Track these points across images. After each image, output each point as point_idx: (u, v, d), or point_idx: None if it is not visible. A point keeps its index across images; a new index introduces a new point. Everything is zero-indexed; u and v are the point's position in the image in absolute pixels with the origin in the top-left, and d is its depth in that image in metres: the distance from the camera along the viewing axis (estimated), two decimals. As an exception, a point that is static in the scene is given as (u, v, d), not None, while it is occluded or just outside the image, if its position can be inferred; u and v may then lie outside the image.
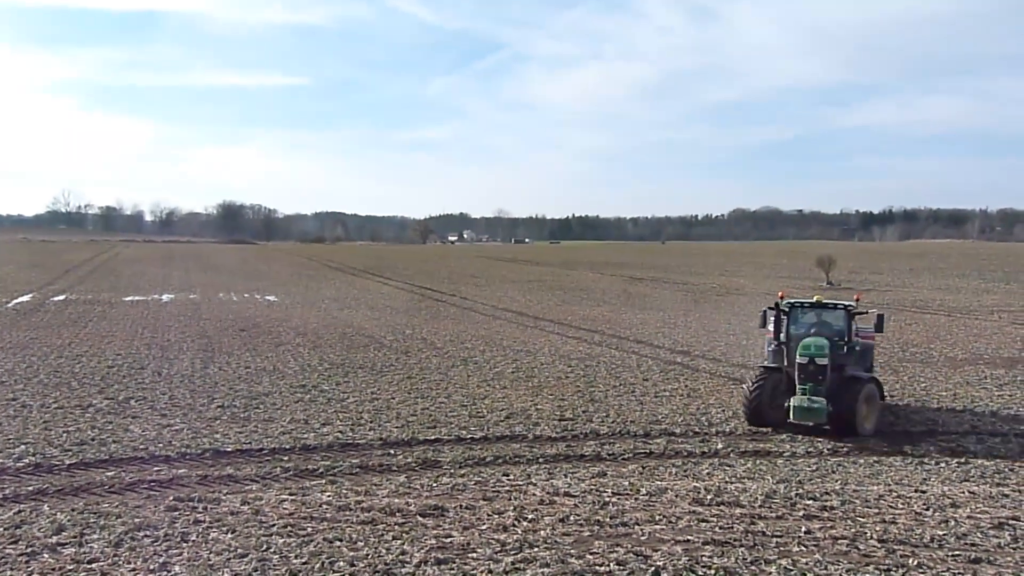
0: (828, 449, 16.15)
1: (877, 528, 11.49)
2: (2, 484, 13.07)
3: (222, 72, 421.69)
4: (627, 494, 12.94)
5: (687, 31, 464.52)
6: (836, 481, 13.92)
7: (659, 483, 13.56)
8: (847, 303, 18.51)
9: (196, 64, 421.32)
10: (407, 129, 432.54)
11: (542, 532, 11.15)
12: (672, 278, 71.17)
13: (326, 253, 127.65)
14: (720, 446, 16.18)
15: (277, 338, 30.89)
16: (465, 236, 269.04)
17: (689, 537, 10.98)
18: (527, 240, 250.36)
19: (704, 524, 11.54)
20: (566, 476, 13.90)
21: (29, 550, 10.29)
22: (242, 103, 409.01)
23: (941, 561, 10.38)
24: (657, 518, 11.77)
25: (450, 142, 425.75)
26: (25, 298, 46.50)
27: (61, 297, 47.31)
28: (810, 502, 12.66)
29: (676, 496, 12.84)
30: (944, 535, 11.28)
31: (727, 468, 14.61)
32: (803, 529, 11.41)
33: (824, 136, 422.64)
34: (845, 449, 16.19)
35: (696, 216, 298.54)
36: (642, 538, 11.01)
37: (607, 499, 12.66)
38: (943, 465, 15.14)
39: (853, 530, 11.41)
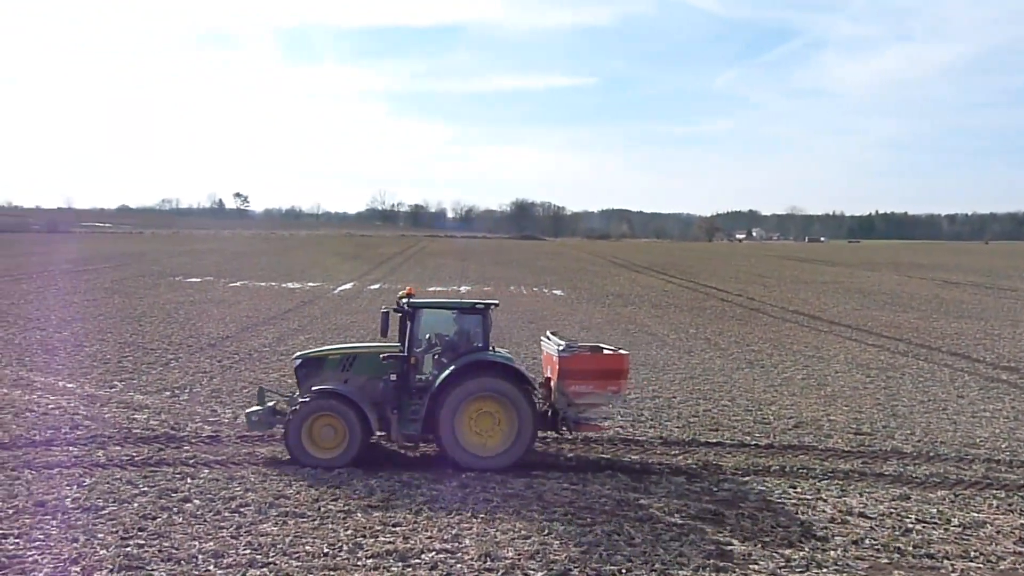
0: None
1: None
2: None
3: (512, 75, 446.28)
4: (934, 523, 11.60)
5: (1006, 1, 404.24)
6: None
7: (975, 515, 11.98)
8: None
9: (489, 70, 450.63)
10: (690, 123, 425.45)
11: (832, 552, 10.37)
12: (997, 283, 62.69)
13: (610, 249, 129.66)
14: (1055, 480, 13.91)
15: (561, 332, 31.87)
16: (754, 234, 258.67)
17: (1013, 581, 9.58)
18: (822, 239, 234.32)
19: (1033, 568, 10.01)
20: (861, 495, 12.79)
21: (346, 508, 11.63)
22: (529, 104, 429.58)
23: None
24: (972, 554, 10.41)
25: (735, 135, 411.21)
26: (347, 286, 52.66)
27: (376, 286, 52.92)
28: None
29: (997, 532, 11.27)
30: None
31: (1064, 506, 12.52)
32: None
33: None
34: None
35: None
36: (952, 574, 9.79)
37: (910, 525, 11.45)
38: None
39: None
